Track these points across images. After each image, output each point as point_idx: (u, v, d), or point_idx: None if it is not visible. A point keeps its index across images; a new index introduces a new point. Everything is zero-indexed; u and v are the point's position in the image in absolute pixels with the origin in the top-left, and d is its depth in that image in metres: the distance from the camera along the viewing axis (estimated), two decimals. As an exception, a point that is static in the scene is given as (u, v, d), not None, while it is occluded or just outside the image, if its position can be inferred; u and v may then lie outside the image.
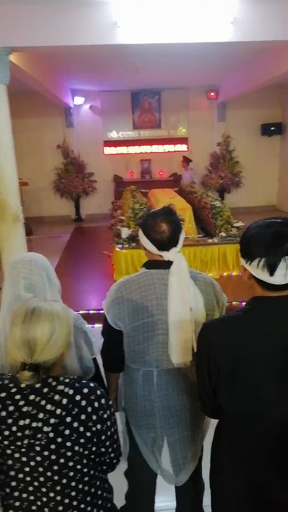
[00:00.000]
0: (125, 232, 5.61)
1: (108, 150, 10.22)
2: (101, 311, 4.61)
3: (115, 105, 9.91)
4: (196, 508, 1.91)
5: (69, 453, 1.17)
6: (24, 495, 1.20)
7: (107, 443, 1.25)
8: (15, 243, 4.56)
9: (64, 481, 1.19)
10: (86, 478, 1.23)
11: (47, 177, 9.93)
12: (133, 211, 5.76)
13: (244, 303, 1.26)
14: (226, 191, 10.31)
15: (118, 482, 1.64)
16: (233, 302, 3.90)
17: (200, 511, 1.92)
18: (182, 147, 10.33)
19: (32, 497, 1.20)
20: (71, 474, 1.19)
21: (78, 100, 9.67)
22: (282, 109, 10.03)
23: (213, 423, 1.55)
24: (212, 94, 9.82)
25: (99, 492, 1.29)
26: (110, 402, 1.26)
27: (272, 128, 9.97)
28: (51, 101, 8.59)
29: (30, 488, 1.19)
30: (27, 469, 1.17)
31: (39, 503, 1.20)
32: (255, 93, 8.73)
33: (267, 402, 1.19)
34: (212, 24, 4.16)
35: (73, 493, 1.21)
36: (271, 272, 1.13)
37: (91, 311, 4.47)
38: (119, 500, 1.62)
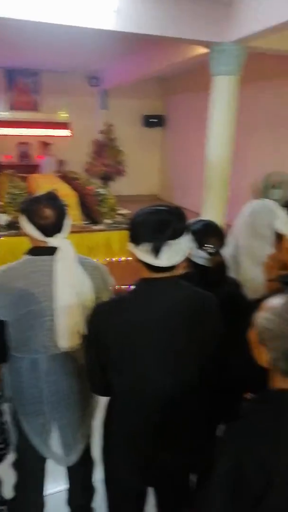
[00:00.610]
0: (3, 219, 5.29)
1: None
2: None
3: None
4: (87, 484, 1.97)
5: None
6: None
7: (-4, 434, 1.21)
8: None
9: None
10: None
11: None
12: (11, 197, 5.48)
13: (131, 286, 1.33)
14: (110, 179, 10.45)
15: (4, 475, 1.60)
16: (121, 286, 4.03)
17: (91, 487, 1.99)
18: (64, 132, 10.08)
19: None
20: None
21: None
22: (163, 102, 10.51)
23: (102, 402, 1.61)
24: (94, 80, 9.78)
25: (-13, 486, 1.25)
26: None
27: (153, 120, 10.38)
28: None
29: None
30: None
31: None
32: (137, 84, 8.98)
33: (152, 380, 1.29)
34: (95, 10, 4.11)
35: None
36: (156, 255, 1.22)
37: None
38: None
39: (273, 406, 0.95)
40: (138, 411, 1.34)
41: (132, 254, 1.29)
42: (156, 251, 1.21)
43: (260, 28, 4.09)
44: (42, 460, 1.80)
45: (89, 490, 1.99)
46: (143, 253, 1.23)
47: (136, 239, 1.25)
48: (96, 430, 1.83)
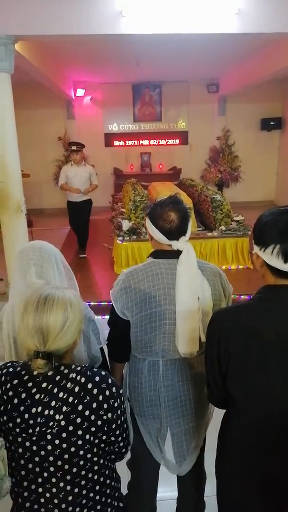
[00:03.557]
0: (126, 225, 5.60)
1: (109, 143, 10.15)
2: (101, 304, 4.59)
3: (116, 97, 9.84)
4: (197, 497, 1.92)
5: (80, 442, 1.16)
6: (33, 487, 1.19)
7: (117, 432, 1.25)
8: (17, 234, 4.52)
9: (74, 470, 1.18)
10: (96, 467, 1.23)
11: (48, 169, 9.85)
12: (134, 204, 5.75)
13: (242, 296, 1.28)
14: (225, 186, 10.29)
15: (121, 472, 1.64)
16: (232, 295, 3.92)
17: (201, 500, 1.94)
18: (183, 140, 10.29)
19: (40, 489, 1.18)
20: (81, 463, 1.19)
21: (80, 92, 9.58)
22: (282, 104, 9.98)
23: (216, 413, 1.54)
24: (213, 87, 9.75)
25: (108, 482, 1.29)
26: (121, 391, 1.25)
27: (271, 123, 9.91)
28: (53, 92, 8.48)
29: (39, 480, 1.18)
30: (37, 458, 1.17)
31: (48, 494, 1.18)
32: (255, 87, 8.68)
33: (278, 391, 1.19)
34: (217, 15, 4.10)
35: (83, 482, 1.20)
36: (286, 259, 1.13)
37: (91, 303, 4.45)
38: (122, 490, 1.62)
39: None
40: (258, 426, 1.25)
41: (257, 258, 1.22)
42: (285, 254, 1.13)
43: None
44: (155, 464, 1.81)
45: (199, 505, 1.94)
46: (271, 256, 1.16)
47: (263, 241, 1.18)
48: (208, 442, 1.78)
